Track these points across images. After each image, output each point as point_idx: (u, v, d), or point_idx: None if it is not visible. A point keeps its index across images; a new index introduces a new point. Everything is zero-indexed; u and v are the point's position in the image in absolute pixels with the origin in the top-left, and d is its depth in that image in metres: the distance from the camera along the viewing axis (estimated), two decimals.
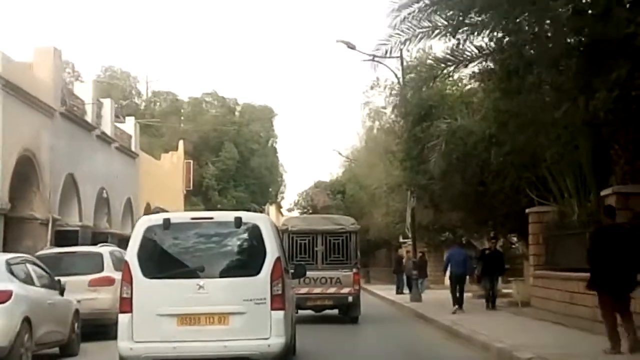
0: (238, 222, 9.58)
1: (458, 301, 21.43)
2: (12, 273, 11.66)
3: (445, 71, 16.38)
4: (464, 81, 23.69)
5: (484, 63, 15.88)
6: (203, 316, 9.27)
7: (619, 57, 11.54)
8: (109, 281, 15.77)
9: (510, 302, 23.30)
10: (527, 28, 13.16)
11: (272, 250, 9.54)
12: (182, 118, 52.30)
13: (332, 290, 19.36)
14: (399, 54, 26.50)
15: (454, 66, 15.93)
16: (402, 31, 15.48)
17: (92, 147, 24.36)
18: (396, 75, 28.05)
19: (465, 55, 15.48)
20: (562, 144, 15.95)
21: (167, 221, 9.55)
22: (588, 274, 11.49)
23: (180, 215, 10.67)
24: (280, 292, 9.40)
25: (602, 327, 11.41)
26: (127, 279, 9.31)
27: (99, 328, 15.32)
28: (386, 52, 16.64)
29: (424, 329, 19.31)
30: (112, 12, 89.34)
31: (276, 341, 9.34)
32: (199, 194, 50.33)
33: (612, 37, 11.38)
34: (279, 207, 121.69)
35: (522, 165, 19.18)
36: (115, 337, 9.61)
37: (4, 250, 18.09)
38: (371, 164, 43.09)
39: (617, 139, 14.99)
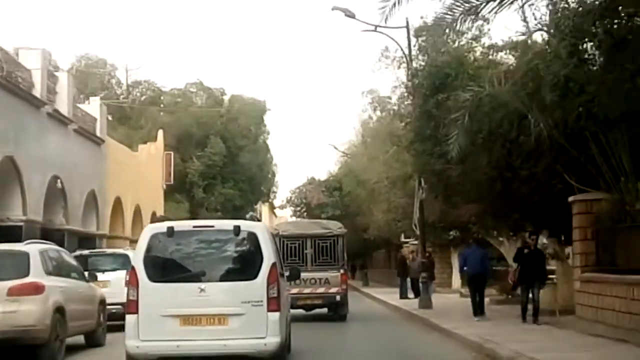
0: (237, 230, 10.31)
1: (479, 306, 18.85)
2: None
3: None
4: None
5: None
6: (204, 317, 9.98)
7: None
8: (36, 289, 11.94)
9: (542, 311, 19.60)
10: None
11: (269, 256, 10.23)
12: (162, 107, 48.25)
13: (321, 290, 20.68)
14: (404, 22, 23.36)
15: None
16: None
17: (41, 127, 20.29)
18: (398, 44, 24.17)
19: None
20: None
21: (170, 229, 10.29)
22: None
23: (183, 224, 11.22)
24: (275, 295, 10.09)
25: None
26: (134, 282, 10.04)
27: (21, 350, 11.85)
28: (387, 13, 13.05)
29: (443, 344, 15.51)
30: None
31: (272, 340, 10.02)
32: (183, 191, 46.43)
33: None
34: (272, 207, 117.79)
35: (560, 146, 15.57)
36: None
37: None
38: (371, 156, 39.25)
39: None
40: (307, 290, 20.40)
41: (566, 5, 14.89)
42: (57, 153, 21.28)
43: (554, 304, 18.42)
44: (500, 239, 28.84)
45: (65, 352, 12.91)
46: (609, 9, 13.57)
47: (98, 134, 25.43)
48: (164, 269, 10.35)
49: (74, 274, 14.07)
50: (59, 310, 12.28)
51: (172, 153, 38.83)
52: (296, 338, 13.34)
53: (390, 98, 38.66)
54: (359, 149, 52.87)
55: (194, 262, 10.39)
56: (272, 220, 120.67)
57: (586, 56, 15.16)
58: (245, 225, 10.58)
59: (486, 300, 20.63)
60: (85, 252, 19.53)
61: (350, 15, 24.06)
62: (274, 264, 10.28)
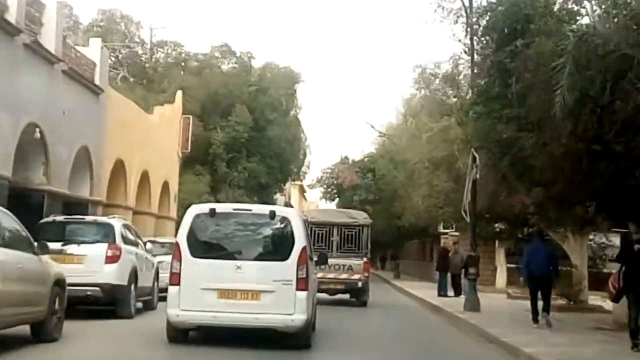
0: (272, 214, 11.30)
1: (544, 312, 15.73)
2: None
3: None
4: None
5: None
6: (239, 292, 10.84)
7: None
8: None
9: (617, 323, 15.58)
10: None
11: (300, 240, 11.15)
12: (186, 69, 44.33)
13: (344, 276, 21.50)
14: None
15: None
16: None
17: (13, 60, 16.37)
18: None
19: None
20: None
21: (212, 210, 11.30)
22: None
23: (224, 206, 12.40)
24: (304, 275, 10.99)
25: None
26: (177, 257, 10.93)
27: None
28: None
29: None
30: None
31: (299, 317, 10.89)
32: (205, 163, 42.62)
33: None
34: (302, 190, 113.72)
35: None
36: None
37: None
38: (412, 135, 35.01)
39: None
40: (331, 276, 21.13)
41: None
42: (36, 96, 17.37)
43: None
44: (558, 231, 24.63)
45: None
46: None
47: (97, 81, 21.55)
48: (205, 246, 11.16)
49: (17, 244, 10.11)
50: None
51: (190, 117, 34.89)
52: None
53: (438, 68, 34.60)
54: (399, 127, 48.71)
55: (232, 241, 11.32)
56: (302, 204, 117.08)
57: None
58: (280, 210, 11.75)
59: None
60: (60, 218, 15.73)
61: None
62: (304, 248, 11.14)
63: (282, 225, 11.27)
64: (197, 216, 11.18)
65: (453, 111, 23.33)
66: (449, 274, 28.21)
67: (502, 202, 29.79)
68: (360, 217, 23.12)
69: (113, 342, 12.01)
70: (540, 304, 15.83)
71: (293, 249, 11.02)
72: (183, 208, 38.77)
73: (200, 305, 10.76)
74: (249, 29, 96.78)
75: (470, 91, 18.37)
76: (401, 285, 37.53)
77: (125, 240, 15.30)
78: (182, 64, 44.75)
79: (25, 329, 10.67)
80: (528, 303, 16.19)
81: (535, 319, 15.62)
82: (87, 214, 19.87)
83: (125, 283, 14.57)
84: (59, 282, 11.05)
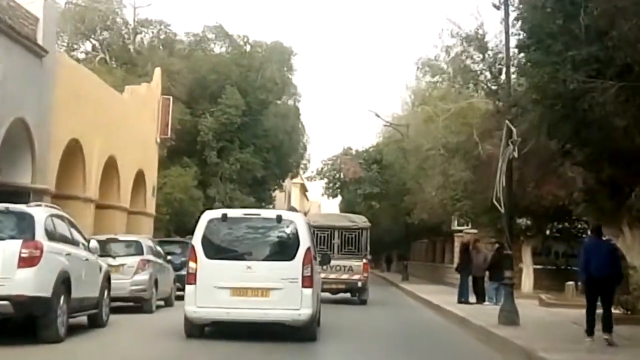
0: (279, 218, 12.47)
1: (605, 323, 12.67)
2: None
3: None
4: None
5: None
6: (250, 289, 11.89)
7: None
8: None
9: None
10: None
11: (305, 242, 12.17)
12: (172, 51, 40.02)
13: (345, 276, 22.84)
14: None
15: None
16: None
17: None
18: None
19: None
20: None
21: (225, 215, 12.41)
22: None
23: (235, 211, 13.68)
24: (309, 274, 11.97)
25: None
26: (193, 258, 12.01)
27: None
28: None
29: None
30: None
31: (305, 312, 11.94)
32: (193, 154, 38.43)
33: None
34: (303, 189, 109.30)
35: None
36: None
37: None
38: (424, 120, 30.82)
39: None
40: (332, 276, 22.18)
41: None
42: None
43: None
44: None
45: None
46: None
47: (39, 41, 17.38)
48: (218, 248, 12.23)
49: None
50: None
51: (170, 98, 30.65)
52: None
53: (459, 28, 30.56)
54: (408, 114, 44.47)
55: (243, 243, 12.45)
56: (304, 203, 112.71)
57: None
58: (286, 215, 13.04)
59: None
60: None
61: None
62: (308, 248, 12.20)
63: (289, 228, 12.32)
64: (211, 221, 12.21)
65: (479, 79, 19.18)
66: (471, 277, 23.99)
67: (529, 194, 25.72)
68: (360, 220, 24.48)
69: None
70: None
71: (298, 249, 12.04)
72: (167, 204, 34.93)
73: (214, 303, 11.79)
74: (243, 11, 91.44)
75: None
76: (411, 289, 33.30)
77: (52, 236, 11.62)
78: (169, 46, 40.45)
79: None
80: (569, 312, 15.11)
81: (591, 332, 12.56)
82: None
83: (48, 294, 10.91)
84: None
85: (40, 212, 11.56)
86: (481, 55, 21.09)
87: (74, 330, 12.09)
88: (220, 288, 11.82)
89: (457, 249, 37.60)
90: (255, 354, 11.37)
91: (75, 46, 39.74)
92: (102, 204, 22.77)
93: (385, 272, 68.13)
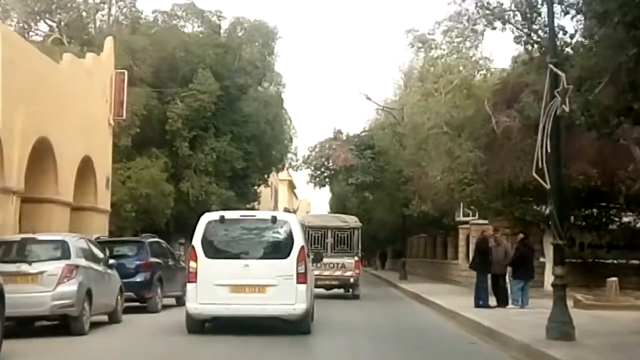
0: (274, 219, 13.28)
1: None
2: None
3: None
4: None
5: None
6: (247, 286, 12.73)
7: None
8: None
9: None
10: None
11: (298, 241, 13.00)
12: (137, 29, 35.49)
13: (338, 273, 24.31)
14: None
15: None
16: None
17: None
18: None
19: None
20: None
21: (222, 217, 13.28)
22: None
23: (232, 213, 14.18)
24: (303, 271, 12.81)
25: None
26: (194, 258, 12.87)
27: None
28: None
29: None
30: None
31: (300, 306, 12.71)
32: (163, 144, 34.08)
33: None
34: (291, 186, 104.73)
35: None
36: None
37: None
38: (425, 93, 26.67)
39: None
40: (326, 273, 23.75)
41: None
42: None
43: None
44: None
45: None
46: None
47: None
48: (217, 248, 13.11)
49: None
50: None
51: (125, 72, 26.17)
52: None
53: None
54: (400, 98, 40.27)
55: (240, 243, 13.26)
56: (292, 201, 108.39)
57: None
58: (281, 215, 13.91)
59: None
60: None
61: None
62: (302, 247, 12.99)
63: (283, 228, 13.14)
64: (209, 223, 13.12)
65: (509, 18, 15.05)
66: (489, 276, 19.76)
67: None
68: (352, 220, 25.91)
69: None
70: None
71: (293, 248, 12.87)
72: (132, 200, 30.51)
73: (214, 299, 12.62)
74: None
75: None
76: (413, 289, 29.13)
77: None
78: (132, 25, 36.03)
79: None
80: (618, 316, 13.67)
81: None
82: None
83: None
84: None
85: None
86: None
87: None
88: (219, 285, 12.61)
89: (462, 243, 33.52)
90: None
91: (27, 27, 35.21)
92: (31, 197, 18.44)
93: (379, 270, 63.94)
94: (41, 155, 18.85)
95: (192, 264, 12.81)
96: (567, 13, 13.89)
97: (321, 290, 23.11)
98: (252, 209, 46.01)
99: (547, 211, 23.92)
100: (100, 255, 15.10)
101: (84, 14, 36.60)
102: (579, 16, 14.21)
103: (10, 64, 16.82)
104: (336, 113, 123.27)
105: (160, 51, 33.49)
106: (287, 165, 46.39)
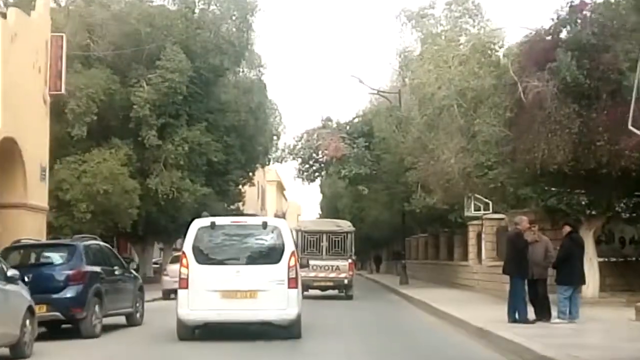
0: (265, 225, 13.31)
1: None
2: None
3: None
4: None
5: None
6: (239, 292, 12.71)
7: None
8: None
9: None
10: None
11: (289, 246, 13.03)
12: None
13: (332, 275, 25.71)
14: None
15: None
16: None
17: None
18: None
19: None
20: None
21: (213, 223, 13.14)
22: None
23: (223, 219, 13.91)
24: (294, 276, 12.83)
25: None
26: (185, 264, 12.80)
27: None
28: None
29: None
30: None
31: (292, 311, 12.77)
32: (127, 134, 29.56)
33: None
34: (281, 187, 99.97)
35: None
36: None
37: None
38: (432, 60, 22.33)
39: None
40: (322, 275, 25.42)
41: None
42: None
43: None
44: None
45: None
46: None
47: None
48: (208, 254, 13.03)
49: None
50: None
51: (63, 36, 21.55)
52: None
53: None
54: (396, 83, 35.93)
55: (231, 249, 13.22)
56: (282, 203, 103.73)
57: None
58: (271, 221, 13.84)
59: None
60: None
61: None
62: (293, 252, 12.97)
63: (274, 234, 13.12)
64: (200, 229, 13.02)
65: None
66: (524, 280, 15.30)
67: (597, 151, 17.43)
68: (345, 225, 27.31)
69: None
70: None
71: (284, 253, 12.84)
72: (89, 198, 25.46)
73: (206, 305, 12.57)
74: None
75: None
76: (419, 296, 24.85)
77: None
78: None
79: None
80: None
81: None
82: None
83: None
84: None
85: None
86: None
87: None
88: (211, 291, 12.59)
89: (472, 242, 29.13)
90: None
91: None
92: None
93: (374, 274, 59.60)
94: None
95: (183, 270, 12.79)
96: None
97: (316, 291, 25.49)
98: (237, 210, 41.68)
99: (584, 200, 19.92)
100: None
101: None
102: None
103: None
104: (324, 101, 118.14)
105: (122, 26, 28.96)
106: (272, 160, 41.85)
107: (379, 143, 30.37)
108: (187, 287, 12.63)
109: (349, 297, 25.77)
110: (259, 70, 41.70)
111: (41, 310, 12.47)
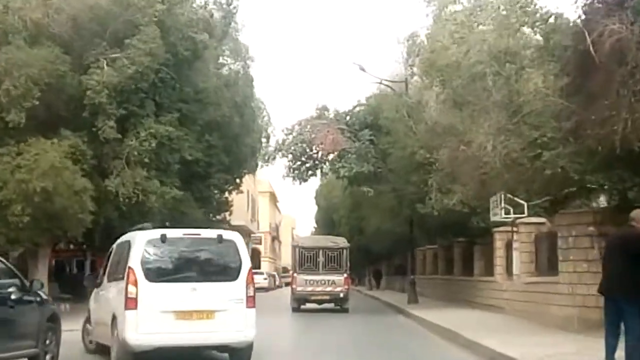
0: (220, 238, 12.10)
1: None
2: None
3: None
4: None
5: None
6: (195, 312, 11.36)
7: None
8: None
9: None
10: None
11: (246, 261, 12.02)
12: None
13: (329, 289, 27.01)
14: None
15: None
16: None
17: None
18: None
19: None
20: None
21: (164, 236, 11.78)
22: None
23: (174, 231, 12.35)
24: (252, 294, 11.83)
25: None
26: (133, 281, 11.21)
27: None
28: None
29: None
30: None
31: (249, 332, 11.72)
32: (82, 125, 24.39)
33: None
34: (274, 198, 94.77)
35: None
36: None
37: None
38: (462, 23, 17.37)
39: None
40: (318, 289, 26.82)
41: None
42: None
43: None
44: None
45: None
46: None
47: None
48: (159, 270, 11.59)
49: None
50: None
51: None
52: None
53: None
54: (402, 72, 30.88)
55: (185, 264, 11.88)
56: (275, 215, 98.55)
57: None
58: (226, 234, 12.45)
59: None
60: None
61: None
62: (250, 268, 12.05)
63: (230, 248, 12.01)
64: (149, 242, 11.64)
65: None
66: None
67: None
68: (341, 241, 28.74)
69: None
70: None
71: (241, 269, 11.80)
72: (24, 199, 16.40)
73: (158, 328, 11.14)
74: None
75: None
76: (436, 320, 19.96)
77: None
78: None
79: None
80: None
81: None
82: None
83: None
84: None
85: None
86: None
87: None
88: (163, 312, 11.27)
89: (500, 252, 24.08)
90: None
91: None
92: None
93: (374, 290, 54.46)
94: None
95: (131, 288, 11.15)
96: None
97: (313, 305, 27.30)
98: (222, 220, 36.78)
99: None
100: None
101: None
102: None
103: None
104: (322, 99, 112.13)
105: (80, 3, 23.86)
106: (259, 158, 36.81)
107: (385, 135, 25.29)
108: (135, 308, 11.10)
109: (345, 310, 26.84)
110: (246, 63, 37.28)
111: None
